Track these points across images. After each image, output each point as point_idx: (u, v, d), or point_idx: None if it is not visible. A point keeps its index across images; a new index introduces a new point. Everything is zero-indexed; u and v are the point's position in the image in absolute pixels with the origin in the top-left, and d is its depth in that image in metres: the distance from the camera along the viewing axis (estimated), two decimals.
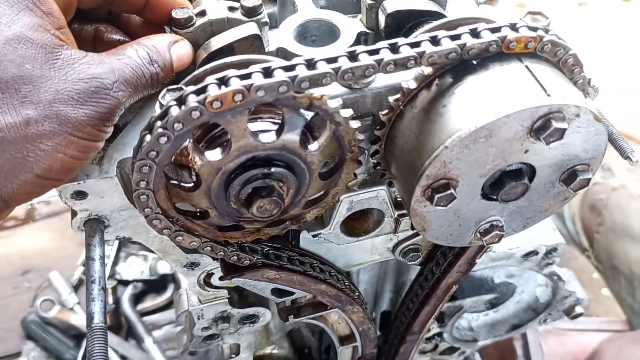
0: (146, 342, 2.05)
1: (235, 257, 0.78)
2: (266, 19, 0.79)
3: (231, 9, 0.78)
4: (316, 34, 0.85)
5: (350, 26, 0.82)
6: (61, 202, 0.71)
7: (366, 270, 1.08)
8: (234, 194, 0.65)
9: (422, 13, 0.78)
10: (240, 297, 0.98)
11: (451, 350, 1.34)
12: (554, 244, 1.10)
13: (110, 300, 2.11)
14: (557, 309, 1.30)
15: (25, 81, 0.59)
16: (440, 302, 1.00)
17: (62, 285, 2.10)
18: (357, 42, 0.80)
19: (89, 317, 0.66)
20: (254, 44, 0.76)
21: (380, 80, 0.70)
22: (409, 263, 0.95)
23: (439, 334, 1.26)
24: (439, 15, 0.77)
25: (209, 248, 0.75)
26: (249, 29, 0.76)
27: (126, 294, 2.14)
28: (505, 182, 0.65)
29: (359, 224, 0.91)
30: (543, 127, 0.60)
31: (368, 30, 0.82)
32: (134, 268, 2.21)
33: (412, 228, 0.92)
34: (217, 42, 0.76)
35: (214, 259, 0.84)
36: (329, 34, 0.83)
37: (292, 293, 0.88)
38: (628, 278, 2.24)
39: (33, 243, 2.25)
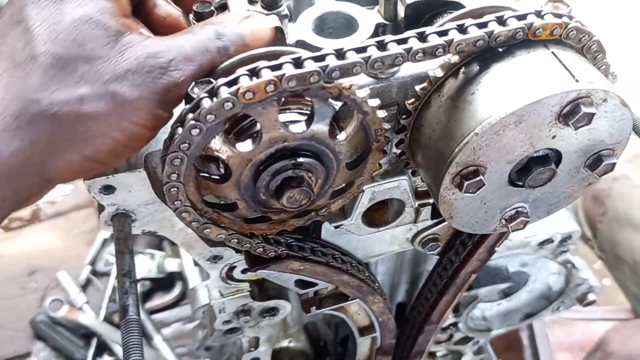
0: (155, 340, 2.05)
1: (261, 249, 0.78)
2: (286, 12, 0.79)
3: (251, 2, 0.78)
4: (333, 26, 0.85)
5: (368, 18, 0.82)
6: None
7: (384, 262, 1.08)
8: (264, 184, 0.66)
9: (441, 3, 0.78)
10: (260, 290, 0.99)
11: (465, 340, 1.35)
12: (569, 231, 1.10)
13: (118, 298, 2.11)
14: (570, 296, 1.31)
15: (84, 61, 0.59)
16: (459, 292, 1.01)
17: (70, 284, 2.10)
18: (375, 34, 0.80)
19: (123, 310, 0.66)
20: (277, 36, 0.76)
21: (406, 70, 0.70)
22: (428, 253, 0.96)
23: (454, 324, 1.27)
24: (459, 6, 0.77)
25: (236, 240, 0.75)
26: (272, 21, 0.76)
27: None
28: (533, 168, 0.66)
29: (379, 214, 0.91)
30: (572, 112, 0.60)
31: (386, 22, 0.82)
32: (141, 267, 2.21)
33: (432, 218, 0.92)
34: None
35: (237, 251, 0.84)
36: (347, 26, 0.83)
37: (315, 284, 0.88)
38: (632, 267, 2.26)
39: (39, 243, 2.24)
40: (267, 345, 1.08)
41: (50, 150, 0.59)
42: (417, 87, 0.67)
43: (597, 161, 0.68)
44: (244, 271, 0.89)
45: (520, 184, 0.68)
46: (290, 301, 1.01)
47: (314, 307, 0.94)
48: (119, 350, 2.01)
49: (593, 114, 0.61)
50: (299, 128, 0.63)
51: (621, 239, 2.30)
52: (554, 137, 0.64)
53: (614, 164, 0.69)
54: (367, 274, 0.94)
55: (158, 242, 2.26)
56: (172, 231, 0.79)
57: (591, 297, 1.30)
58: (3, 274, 2.17)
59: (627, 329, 2.04)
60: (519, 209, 0.72)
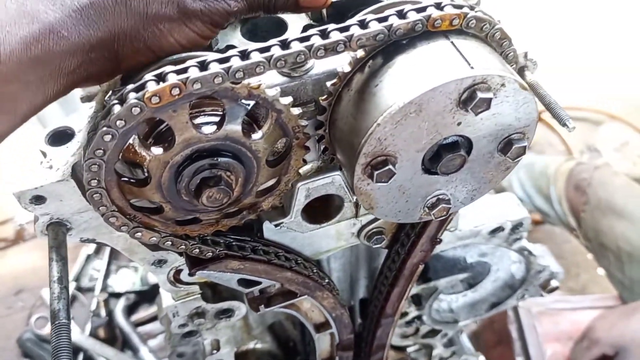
0: (142, 352, 2.07)
1: (197, 250, 0.80)
2: None
3: None
4: (266, 29, 0.88)
5: (297, 20, 0.84)
6: None
7: (336, 258, 1.10)
8: (184, 185, 0.68)
9: (362, 1, 0.81)
10: (214, 293, 1.01)
11: (433, 332, 1.36)
12: (519, 218, 1.12)
13: (103, 313, 2.13)
14: (533, 284, 1.32)
15: None
16: (409, 283, 1.02)
17: None
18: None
19: (53, 315, 0.68)
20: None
21: (319, 67, 0.72)
22: (374, 246, 0.98)
23: (418, 317, 1.28)
24: (378, 2, 0.79)
25: (170, 242, 0.77)
26: None
27: (119, 306, 2.16)
28: (443, 155, 0.68)
29: (320, 210, 0.93)
30: (469, 98, 0.63)
31: (314, 23, 0.85)
32: (126, 280, 2.24)
33: None
34: None
35: (180, 254, 0.87)
36: (278, 28, 0.86)
37: (259, 282, 0.90)
38: (616, 254, 2.27)
39: (25, 263, 2.27)
40: (228, 347, 1.10)
41: (122, 36, 0.65)
42: (329, 84, 0.69)
43: (507, 145, 0.70)
44: (191, 274, 0.91)
45: (436, 171, 0.70)
46: (245, 302, 1.03)
47: (262, 306, 0.95)
48: None
49: (490, 99, 0.63)
50: (211, 129, 0.66)
51: (604, 227, 2.31)
52: (459, 123, 0.66)
53: (525, 147, 0.71)
54: (314, 271, 0.96)
55: None
56: (111, 237, 0.81)
57: (554, 283, 1.31)
58: None
59: (613, 316, 2.04)
60: (440, 197, 0.75)
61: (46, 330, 2.04)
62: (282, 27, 0.85)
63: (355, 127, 0.66)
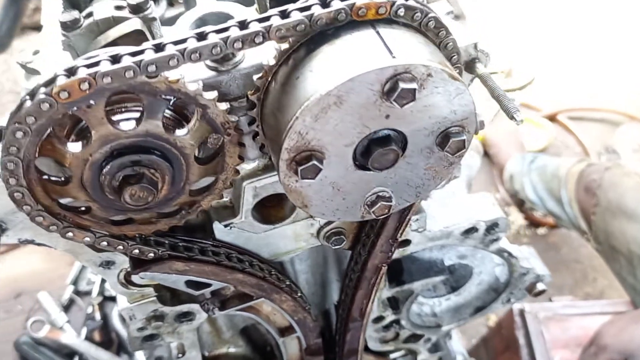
0: (137, 356, 2.06)
1: (137, 251, 0.78)
2: (154, 15, 0.80)
3: (118, 7, 0.80)
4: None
5: (246, 15, 0.82)
6: None
7: (302, 260, 1.07)
8: (107, 183, 0.66)
9: None
10: (172, 295, 0.99)
11: (415, 337, 1.32)
12: (494, 218, 1.08)
13: (98, 316, 2.14)
14: (518, 287, 1.27)
15: None
16: (373, 285, 0.99)
17: (51, 305, 2.13)
18: None
19: None
20: (138, 39, 0.77)
21: (248, 61, 0.70)
22: (334, 247, 0.95)
23: (396, 322, 1.24)
24: None
25: (106, 243, 0.75)
26: (132, 24, 0.77)
27: (115, 309, 2.16)
28: (372, 150, 0.65)
29: (275, 210, 0.91)
30: (392, 89, 0.60)
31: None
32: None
33: None
34: (102, 40, 0.77)
35: (125, 254, 0.85)
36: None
37: (209, 285, 0.88)
38: (627, 257, 2.19)
39: (24, 266, 2.29)
40: (194, 351, 1.08)
41: None
42: (255, 77, 0.67)
43: (445, 139, 0.67)
44: (132, 274, 0.89)
45: (369, 167, 0.67)
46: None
47: (217, 309, 0.93)
48: None
49: (414, 90, 0.59)
50: (130, 125, 0.64)
51: (615, 229, 2.24)
52: (387, 116, 0.63)
53: (463, 141, 0.67)
54: (272, 273, 0.94)
55: None
56: (50, 238, 0.80)
57: (540, 286, 1.26)
58: None
59: (622, 321, 1.97)
60: (379, 194, 0.71)
61: (42, 333, 2.05)
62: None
63: (279, 121, 0.64)
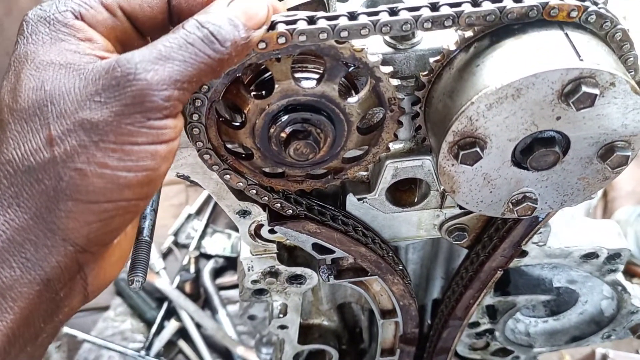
0: (220, 314, 2.16)
1: (279, 205, 0.83)
2: None
3: None
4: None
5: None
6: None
7: (415, 250, 1.09)
8: (275, 134, 0.71)
9: None
10: (290, 256, 1.04)
11: (504, 352, 1.31)
12: (618, 248, 1.05)
13: (192, 269, 2.26)
14: (623, 325, 1.23)
15: (45, 102, 0.54)
16: (484, 288, 0.99)
17: (152, 250, 2.27)
18: None
19: (139, 231, 0.74)
20: (317, 8, 0.81)
21: (425, 43, 0.73)
22: (454, 242, 0.96)
23: (490, 331, 1.24)
24: None
25: (254, 191, 0.81)
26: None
27: (207, 267, 2.27)
28: (535, 148, 0.66)
29: (406, 195, 0.93)
30: (573, 91, 0.60)
31: None
32: (218, 244, 2.35)
33: (460, 207, 0.93)
34: (283, 6, 0.82)
35: (263, 207, 0.90)
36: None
37: (333, 252, 0.92)
38: None
39: None
40: (294, 314, 1.12)
41: (47, 209, 0.54)
42: (432, 60, 0.69)
43: (609, 151, 0.67)
44: (271, 231, 0.94)
45: (525, 166, 0.68)
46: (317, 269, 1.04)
47: (332, 276, 0.97)
48: (185, 317, 2.14)
49: (595, 95, 0.60)
50: (310, 84, 0.68)
51: None
52: (558, 118, 0.64)
53: (628, 157, 0.67)
54: (390, 254, 0.96)
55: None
56: (204, 178, 0.86)
57: None
58: None
59: None
60: (527, 194, 0.72)
61: None
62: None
63: (449, 104, 0.66)
